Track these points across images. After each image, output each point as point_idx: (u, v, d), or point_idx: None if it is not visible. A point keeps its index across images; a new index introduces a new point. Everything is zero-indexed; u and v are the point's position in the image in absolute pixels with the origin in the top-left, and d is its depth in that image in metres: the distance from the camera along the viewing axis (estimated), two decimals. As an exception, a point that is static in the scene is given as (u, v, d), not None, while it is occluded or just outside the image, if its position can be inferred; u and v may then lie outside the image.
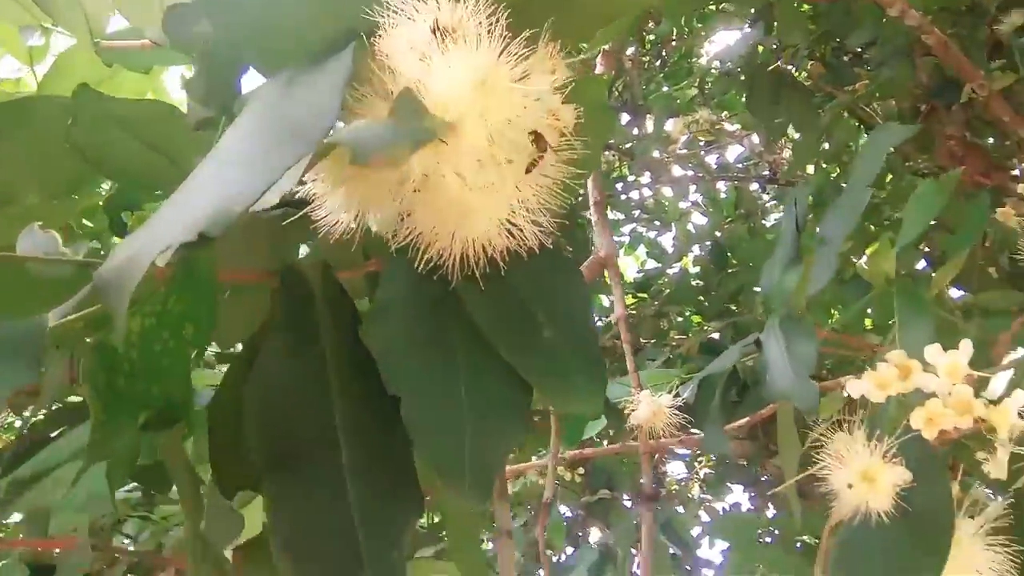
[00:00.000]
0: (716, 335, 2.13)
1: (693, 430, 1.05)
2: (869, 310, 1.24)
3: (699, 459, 2.50)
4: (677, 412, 0.66)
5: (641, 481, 0.79)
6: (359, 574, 0.33)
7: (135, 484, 0.80)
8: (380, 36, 0.34)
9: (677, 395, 0.67)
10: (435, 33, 0.34)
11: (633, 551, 1.47)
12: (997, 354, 0.71)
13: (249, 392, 0.33)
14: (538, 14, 0.34)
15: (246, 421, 0.33)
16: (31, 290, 0.30)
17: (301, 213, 0.36)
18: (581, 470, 1.60)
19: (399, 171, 0.34)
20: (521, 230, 0.35)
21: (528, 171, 0.34)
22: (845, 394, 0.48)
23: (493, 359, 0.36)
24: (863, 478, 0.44)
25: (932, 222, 0.63)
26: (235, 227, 0.30)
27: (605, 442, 1.55)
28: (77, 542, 0.45)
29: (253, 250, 0.37)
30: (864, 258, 0.83)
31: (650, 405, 0.65)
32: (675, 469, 2.70)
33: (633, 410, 0.65)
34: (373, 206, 0.35)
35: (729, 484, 2.38)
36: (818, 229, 0.75)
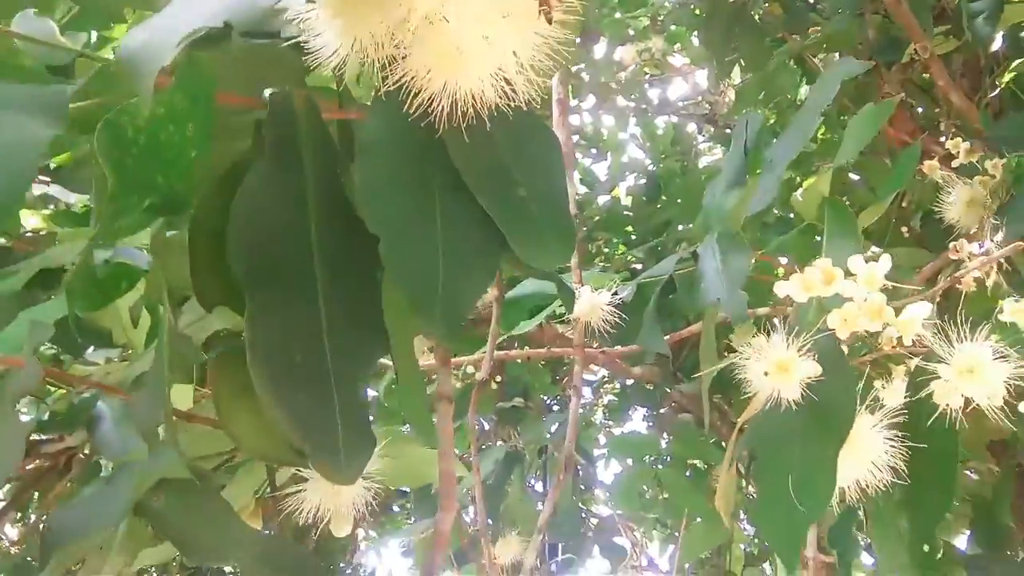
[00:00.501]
0: (639, 265, 2.20)
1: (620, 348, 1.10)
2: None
3: (605, 385, 2.61)
4: (614, 310, 0.70)
5: (571, 383, 0.83)
6: (327, 392, 0.35)
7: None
8: None
9: (615, 294, 0.71)
10: None
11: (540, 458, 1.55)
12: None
13: (234, 210, 0.34)
14: None
15: (229, 238, 0.34)
16: (23, 73, 0.30)
17: (293, 42, 0.37)
18: (499, 378, 1.66)
19: (401, 9, 0.35)
20: (511, 86, 0.37)
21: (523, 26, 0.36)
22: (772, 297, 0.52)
23: (470, 207, 0.38)
24: (778, 368, 0.48)
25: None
26: (229, 52, 0.31)
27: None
28: (24, 361, 0.45)
29: (243, 79, 0.38)
30: (800, 191, 0.88)
31: (590, 300, 0.69)
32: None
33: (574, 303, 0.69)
34: (369, 43, 0.36)
35: (630, 412, 2.48)
36: (765, 153, 0.79)
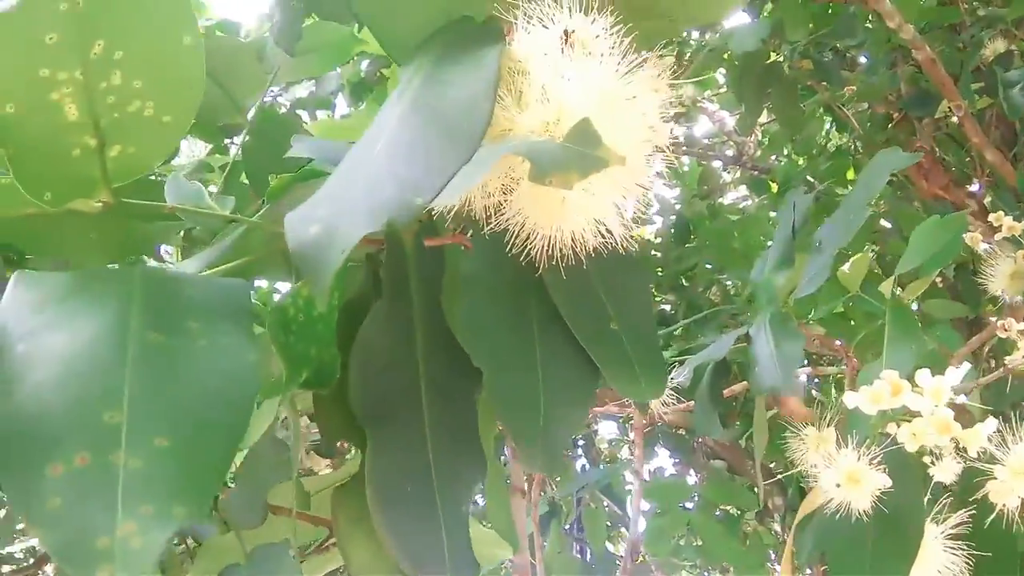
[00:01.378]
0: (667, 307, 2.22)
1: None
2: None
3: (630, 421, 2.62)
4: (672, 392, 0.72)
5: (631, 458, 0.84)
6: (435, 517, 0.38)
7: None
8: (516, 38, 0.37)
9: (672, 378, 0.73)
10: (564, 41, 0.37)
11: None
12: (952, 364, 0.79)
13: (355, 351, 0.37)
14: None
15: (351, 379, 0.36)
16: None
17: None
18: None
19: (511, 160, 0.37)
20: (610, 231, 0.39)
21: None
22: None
23: (566, 342, 0.40)
24: (849, 479, 0.50)
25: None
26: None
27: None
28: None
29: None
30: (847, 265, 0.89)
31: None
32: (606, 430, 2.83)
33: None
34: (478, 192, 0.39)
35: (656, 448, 2.49)
36: (815, 235, 0.81)
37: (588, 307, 0.41)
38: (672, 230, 2.28)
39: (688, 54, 2.46)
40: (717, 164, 2.75)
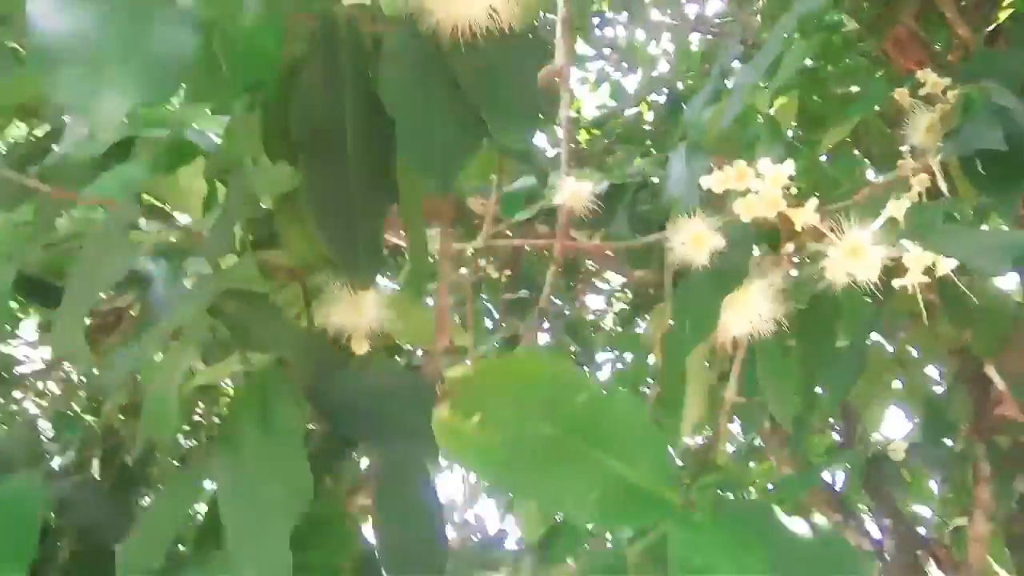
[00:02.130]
0: (656, 179, 2.34)
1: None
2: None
3: (616, 295, 2.79)
4: (595, 201, 0.86)
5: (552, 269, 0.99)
6: (353, 225, 0.53)
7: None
8: None
9: (597, 185, 0.87)
10: None
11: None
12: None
13: (296, 95, 0.51)
14: None
15: (292, 115, 0.51)
16: None
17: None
18: (508, 272, 1.84)
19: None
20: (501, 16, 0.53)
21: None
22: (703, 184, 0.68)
23: (461, 98, 0.54)
24: (693, 240, 0.65)
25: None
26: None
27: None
28: (116, 201, 0.63)
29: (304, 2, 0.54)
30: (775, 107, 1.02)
31: (574, 188, 0.85)
32: (593, 304, 3.01)
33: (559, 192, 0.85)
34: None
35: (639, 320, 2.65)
36: (738, 76, 0.93)
37: (480, 75, 0.55)
38: (665, 105, 2.37)
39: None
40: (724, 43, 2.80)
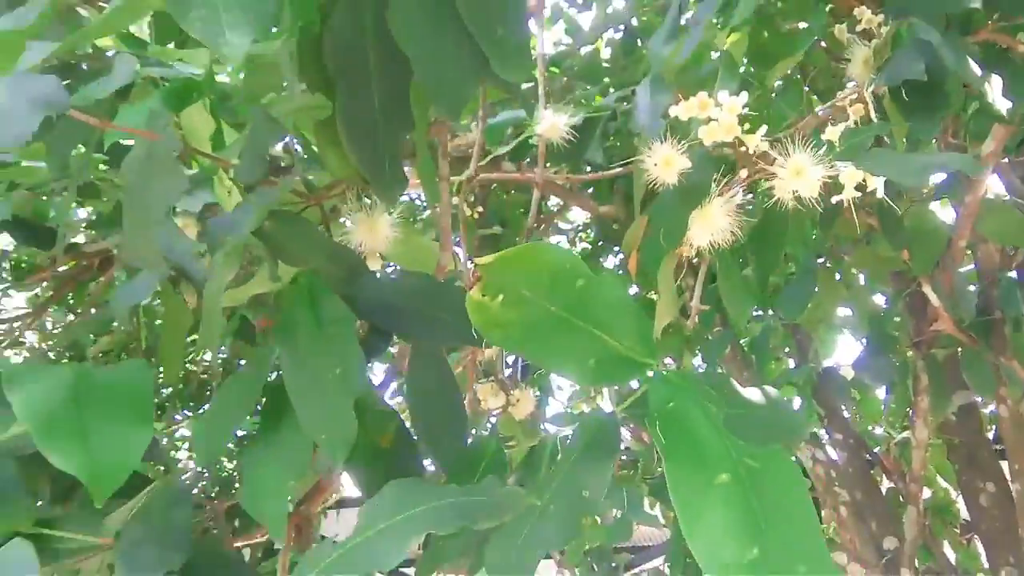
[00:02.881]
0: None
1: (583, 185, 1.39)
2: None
3: (580, 234, 2.93)
4: (571, 131, 0.98)
5: (535, 196, 1.11)
6: (379, 146, 0.65)
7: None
8: None
9: (572, 117, 0.99)
10: None
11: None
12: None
13: (327, 37, 0.62)
14: None
15: (324, 50, 0.62)
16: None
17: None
18: (480, 209, 1.95)
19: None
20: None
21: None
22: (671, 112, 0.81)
23: (468, 35, 0.65)
24: (664, 162, 0.78)
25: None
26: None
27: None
28: (159, 135, 0.72)
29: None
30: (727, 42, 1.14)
31: (551, 120, 0.96)
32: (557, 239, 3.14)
33: (538, 123, 0.97)
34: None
35: (602, 260, 2.79)
36: (695, 12, 1.05)
37: (485, 14, 0.66)
38: (622, 41, 2.48)
39: None
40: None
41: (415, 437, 0.68)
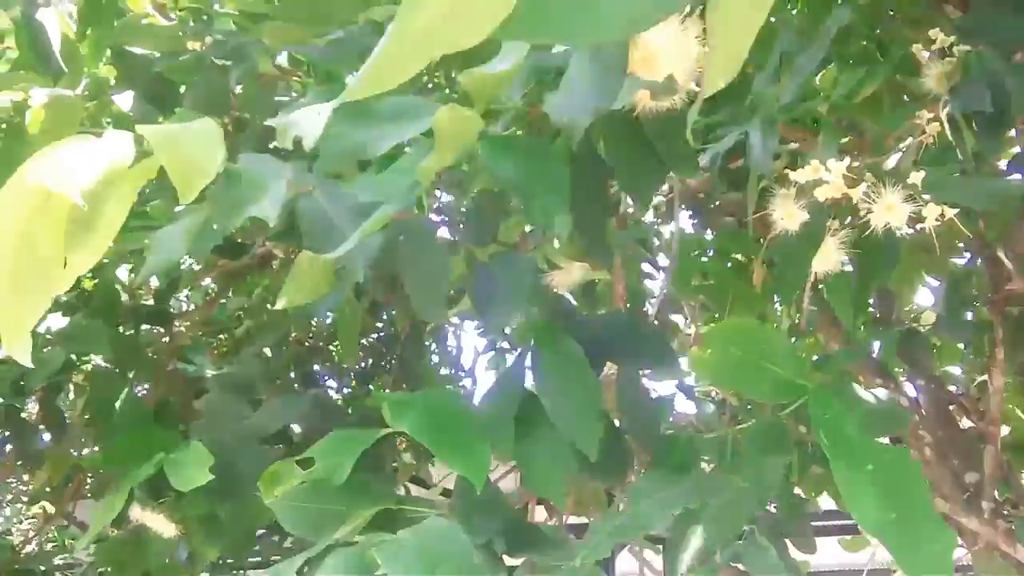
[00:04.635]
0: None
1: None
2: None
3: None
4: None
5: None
6: (595, 233, 0.99)
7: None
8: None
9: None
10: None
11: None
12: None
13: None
14: None
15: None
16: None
17: None
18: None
19: None
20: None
21: None
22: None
23: (652, 148, 0.99)
24: (787, 215, 1.11)
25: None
26: None
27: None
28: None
29: None
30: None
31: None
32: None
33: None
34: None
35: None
36: (797, 61, 1.36)
37: (666, 132, 0.99)
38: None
39: None
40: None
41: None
